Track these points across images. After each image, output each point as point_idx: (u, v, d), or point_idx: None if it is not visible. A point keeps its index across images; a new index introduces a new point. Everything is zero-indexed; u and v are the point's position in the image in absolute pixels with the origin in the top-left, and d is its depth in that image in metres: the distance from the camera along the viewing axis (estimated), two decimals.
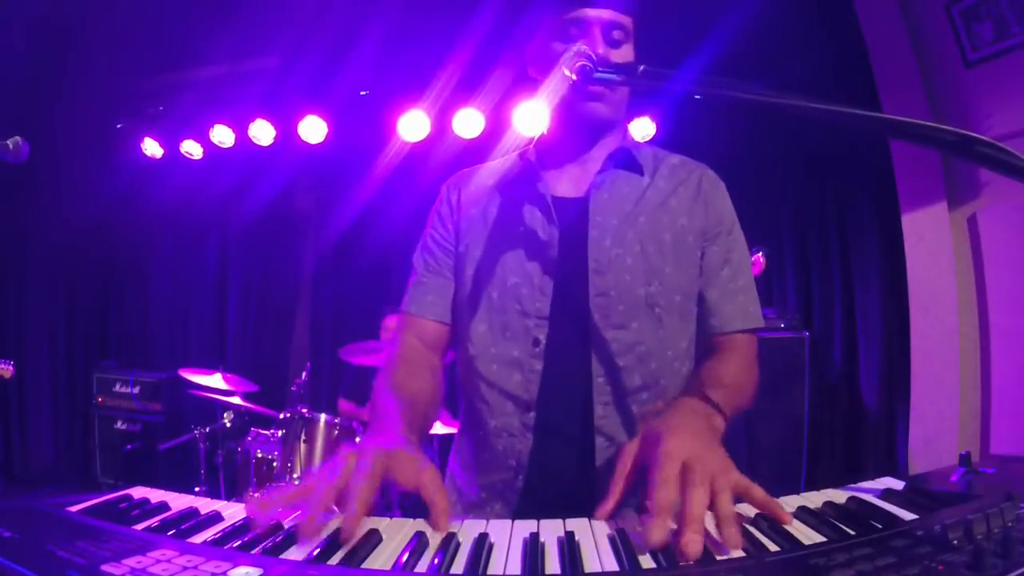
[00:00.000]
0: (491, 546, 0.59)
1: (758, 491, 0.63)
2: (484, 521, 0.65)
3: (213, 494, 3.33)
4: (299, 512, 0.63)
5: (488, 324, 1.05)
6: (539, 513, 0.66)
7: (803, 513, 0.63)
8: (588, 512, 0.67)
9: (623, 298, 1.00)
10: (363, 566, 0.55)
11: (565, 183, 1.10)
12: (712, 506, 0.60)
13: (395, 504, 2.66)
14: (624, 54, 1.03)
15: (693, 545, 0.54)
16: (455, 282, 1.12)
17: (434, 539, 0.61)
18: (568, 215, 1.06)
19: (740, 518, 0.59)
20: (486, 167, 1.22)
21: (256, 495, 0.63)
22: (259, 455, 3.10)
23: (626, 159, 1.09)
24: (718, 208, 1.08)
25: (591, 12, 1.00)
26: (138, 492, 0.73)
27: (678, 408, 0.84)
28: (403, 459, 0.71)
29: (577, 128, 1.09)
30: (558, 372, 1.01)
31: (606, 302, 1.00)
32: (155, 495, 0.72)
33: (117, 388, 4.47)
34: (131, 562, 0.49)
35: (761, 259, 3.02)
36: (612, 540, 0.59)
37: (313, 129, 3.99)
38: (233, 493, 3.34)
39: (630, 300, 1.00)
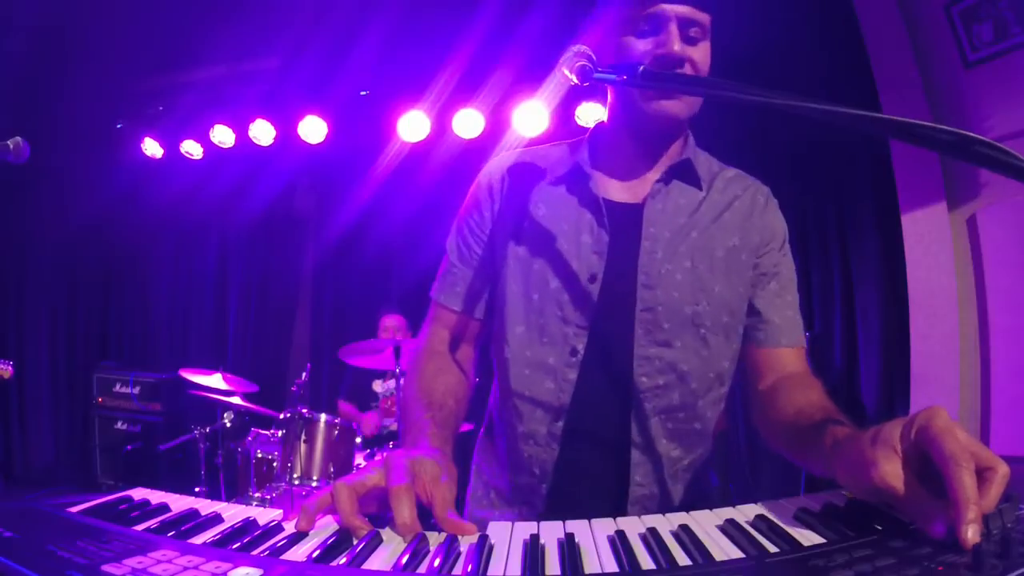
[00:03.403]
0: (491, 548, 0.59)
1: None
2: (484, 522, 0.65)
3: (213, 494, 3.33)
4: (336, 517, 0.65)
5: (526, 326, 1.01)
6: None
7: (803, 514, 0.63)
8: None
9: (670, 315, 0.96)
10: (364, 567, 0.55)
11: (618, 187, 1.04)
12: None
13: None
14: (701, 52, 0.96)
15: (974, 530, 0.49)
16: (489, 273, 1.07)
17: (434, 540, 0.61)
18: (620, 222, 1.00)
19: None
20: (531, 152, 1.13)
21: (302, 508, 0.65)
22: (259, 455, 3.10)
23: (687, 170, 1.04)
24: (771, 226, 1.05)
25: (668, 7, 0.93)
26: (138, 493, 0.73)
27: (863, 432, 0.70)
28: (425, 467, 0.71)
29: (647, 128, 1.00)
30: (593, 384, 0.98)
31: (652, 318, 0.96)
32: (155, 496, 0.72)
33: (117, 388, 4.47)
34: (132, 562, 0.49)
35: None
36: (612, 541, 0.59)
37: (313, 129, 4.00)
38: (233, 493, 3.34)
39: (677, 318, 0.96)
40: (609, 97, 1.08)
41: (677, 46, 0.92)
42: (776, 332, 1.02)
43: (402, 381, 3.05)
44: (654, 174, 1.03)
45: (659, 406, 0.97)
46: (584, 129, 1.14)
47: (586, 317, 0.98)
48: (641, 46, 0.95)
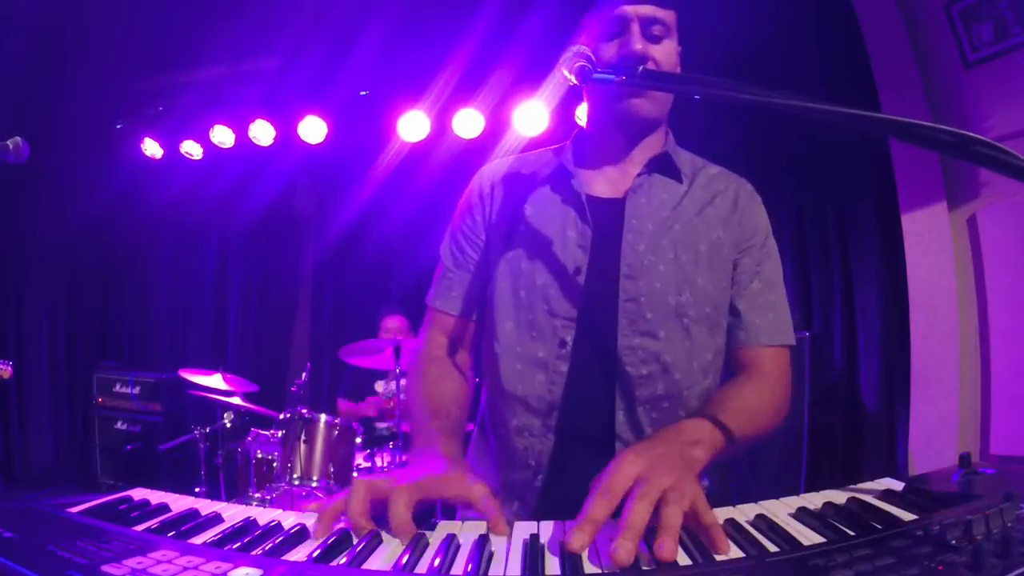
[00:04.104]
0: (491, 547, 0.59)
1: (708, 515, 0.61)
2: (484, 522, 0.65)
3: (213, 494, 3.33)
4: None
5: (515, 322, 1.03)
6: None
7: (803, 514, 0.63)
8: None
9: (653, 306, 0.98)
10: (364, 567, 0.55)
11: (602, 183, 1.08)
12: (657, 515, 0.59)
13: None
14: (665, 50, 1.00)
15: (622, 551, 0.53)
16: (484, 276, 1.10)
17: (434, 540, 0.61)
18: (602, 216, 1.03)
19: (722, 527, 0.60)
20: (519, 159, 1.18)
21: (314, 506, 0.66)
22: (259, 455, 3.10)
23: (667, 164, 1.07)
24: (753, 221, 1.07)
25: (629, 8, 0.98)
26: (138, 493, 0.73)
27: (657, 434, 0.83)
28: (450, 479, 0.73)
29: (620, 126, 1.05)
30: (583, 375, 1.00)
31: (635, 308, 0.98)
32: (155, 496, 0.72)
33: (117, 388, 4.47)
34: (132, 562, 0.49)
35: None
36: (612, 541, 0.59)
37: (313, 129, 3.99)
38: (233, 494, 3.34)
39: (660, 308, 0.98)
40: (586, 100, 1.12)
41: (638, 45, 0.96)
42: (757, 332, 1.04)
43: (403, 382, 3.05)
44: (634, 168, 1.06)
45: (644, 396, 0.98)
46: None
47: (573, 310, 1.00)
48: (609, 49, 0.99)
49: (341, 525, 0.65)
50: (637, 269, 0.99)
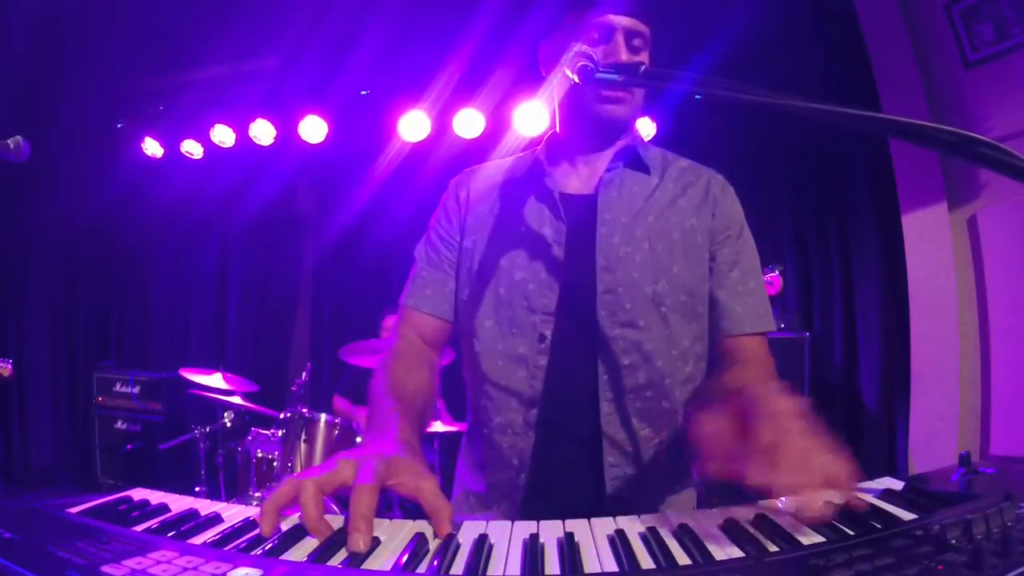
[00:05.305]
0: (491, 547, 0.59)
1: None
2: (484, 522, 0.65)
3: (213, 494, 3.33)
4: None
5: (495, 319, 1.05)
6: (543, 512, 0.66)
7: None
8: (592, 511, 0.67)
9: (630, 296, 1.00)
10: (363, 567, 0.55)
11: (574, 180, 1.11)
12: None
13: (395, 504, 2.65)
14: (642, 61, 1.03)
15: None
16: (461, 278, 1.12)
17: (434, 540, 0.61)
18: (576, 212, 1.06)
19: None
20: (495, 164, 1.22)
21: (260, 495, 0.65)
22: (259, 455, 3.10)
23: (634, 157, 1.10)
24: (727, 212, 1.08)
25: (614, 17, 1.02)
26: (138, 493, 0.73)
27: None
28: (402, 466, 0.70)
29: (593, 130, 1.09)
30: (563, 369, 1.01)
31: (613, 299, 1.00)
32: (155, 496, 0.72)
33: (117, 388, 4.46)
34: (131, 563, 0.49)
35: (778, 278, 3.06)
36: (612, 541, 0.59)
37: (313, 129, 3.99)
38: (233, 493, 3.34)
39: (637, 298, 1.00)
40: (556, 103, 1.16)
41: (624, 55, 1.01)
42: (740, 320, 1.05)
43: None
44: (605, 164, 1.10)
45: (627, 386, 1.00)
46: None
47: (551, 304, 1.02)
48: (594, 54, 1.00)
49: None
50: (613, 261, 1.01)
